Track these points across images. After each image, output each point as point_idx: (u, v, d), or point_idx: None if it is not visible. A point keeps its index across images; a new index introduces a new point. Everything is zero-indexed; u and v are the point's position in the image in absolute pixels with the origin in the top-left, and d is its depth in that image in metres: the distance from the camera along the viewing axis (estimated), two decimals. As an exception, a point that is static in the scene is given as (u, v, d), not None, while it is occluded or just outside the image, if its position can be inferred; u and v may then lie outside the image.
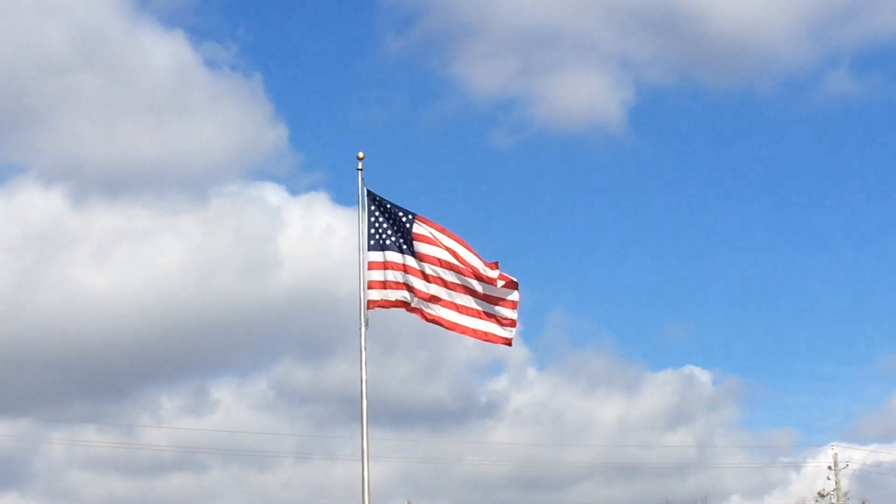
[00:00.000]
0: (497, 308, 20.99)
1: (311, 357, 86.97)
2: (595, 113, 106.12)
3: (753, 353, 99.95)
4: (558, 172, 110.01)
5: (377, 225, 21.28)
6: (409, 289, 21.03)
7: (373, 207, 21.34)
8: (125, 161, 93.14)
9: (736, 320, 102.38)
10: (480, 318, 21.01)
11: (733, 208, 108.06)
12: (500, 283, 20.89)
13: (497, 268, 21.01)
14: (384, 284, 21.07)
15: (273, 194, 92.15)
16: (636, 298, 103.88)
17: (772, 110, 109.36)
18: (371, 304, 20.96)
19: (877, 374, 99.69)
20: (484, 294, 20.98)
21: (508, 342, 21.00)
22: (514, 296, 21.01)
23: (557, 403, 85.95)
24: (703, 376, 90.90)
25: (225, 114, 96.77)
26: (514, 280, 21.03)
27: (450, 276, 21.02)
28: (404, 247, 21.13)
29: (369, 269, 21.10)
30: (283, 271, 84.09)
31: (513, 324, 20.91)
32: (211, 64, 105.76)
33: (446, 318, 20.93)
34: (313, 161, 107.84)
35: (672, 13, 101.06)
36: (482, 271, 20.91)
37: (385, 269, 21.11)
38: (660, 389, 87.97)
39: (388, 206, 21.25)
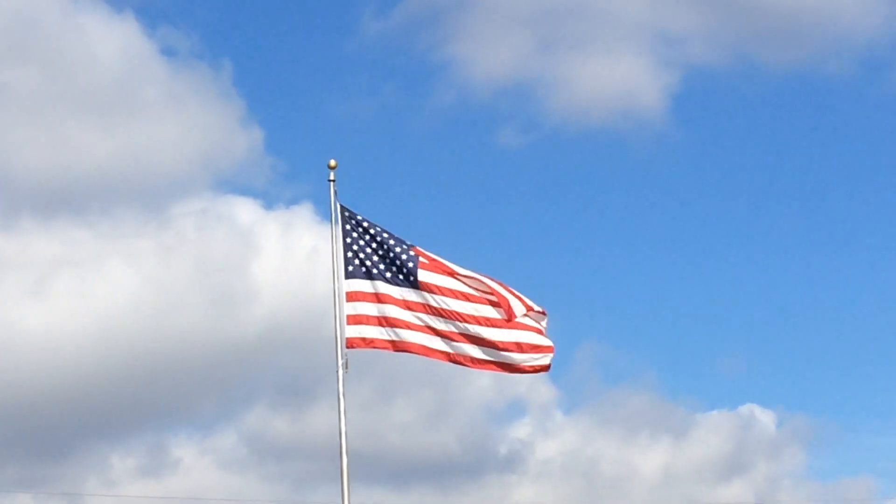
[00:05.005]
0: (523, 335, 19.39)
1: (290, 405, 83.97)
2: (629, 102, 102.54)
3: (823, 388, 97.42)
4: (583, 177, 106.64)
5: (356, 248, 19.39)
6: (404, 325, 19.27)
7: (349, 227, 19.42)
8: (65, 173, 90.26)
9: (802, 351, 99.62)
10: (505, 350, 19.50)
11: (800, 215, 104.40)
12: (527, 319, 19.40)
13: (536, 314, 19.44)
14: (366, 319, 19.14)
15: (246, 210, 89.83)
16: (682, 326, 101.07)
17: (844, 95, 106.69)
18: (350, 343, 18.88)
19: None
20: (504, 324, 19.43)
21: (546, 368, 19.43)
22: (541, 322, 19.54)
23: (590, 452, 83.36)
24: (763, 416, 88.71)
25: (187, 113, 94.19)
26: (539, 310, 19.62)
27: (462, 308, 19.26)
28: (400, 277, 19.35)
29: (347, 300, 19.09)
30: (256, 304, 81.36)
31: (549, 349, 19.39)
32: (169, 52, 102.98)
33: (468, 353, 19.24)
34: (294, 169, 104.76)
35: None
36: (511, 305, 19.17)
37: (367, 301, 19.24)
38: (712, 433, 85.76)
39: (373, 227, 19.47)
